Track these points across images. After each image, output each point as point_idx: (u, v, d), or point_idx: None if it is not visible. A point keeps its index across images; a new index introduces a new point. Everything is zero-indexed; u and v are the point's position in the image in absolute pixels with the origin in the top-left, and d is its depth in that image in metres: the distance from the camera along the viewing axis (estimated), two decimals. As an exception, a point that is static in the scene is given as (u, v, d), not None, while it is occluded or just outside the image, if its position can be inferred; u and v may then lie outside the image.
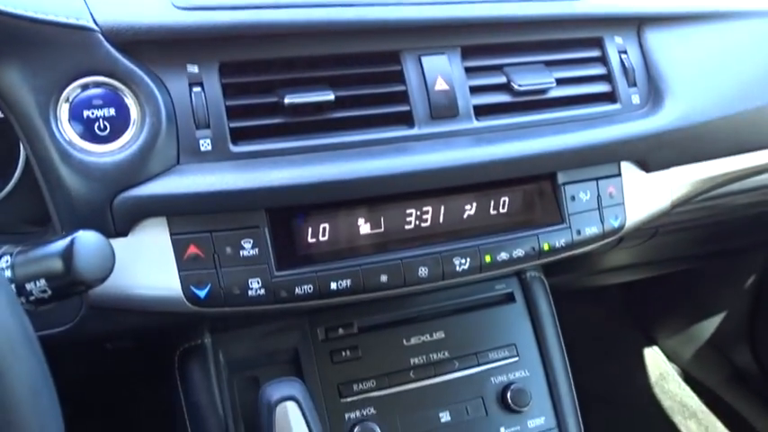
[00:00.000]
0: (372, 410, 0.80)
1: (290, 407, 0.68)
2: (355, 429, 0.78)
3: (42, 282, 0.47)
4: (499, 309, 0.90)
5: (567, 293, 0.92)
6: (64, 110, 0.62)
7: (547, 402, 0.87)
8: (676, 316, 1.93)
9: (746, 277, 1.75)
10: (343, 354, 0.82)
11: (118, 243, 0.63)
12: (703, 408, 1.86)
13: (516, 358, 0.88)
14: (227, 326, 0.80)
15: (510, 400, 0.84)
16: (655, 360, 1.96)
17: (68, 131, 0.62)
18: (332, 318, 0.83)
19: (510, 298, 0.91)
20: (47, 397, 0.42)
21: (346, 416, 0.79)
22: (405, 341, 0.85)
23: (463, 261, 0.73)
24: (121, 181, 0.62)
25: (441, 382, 0.84)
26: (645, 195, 0.83)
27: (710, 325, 1.85)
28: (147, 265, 0.65)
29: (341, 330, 0.83)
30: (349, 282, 0.69)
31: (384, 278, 0.70)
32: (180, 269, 0.65)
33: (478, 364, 0.86)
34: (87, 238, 0.49)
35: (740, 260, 1.74)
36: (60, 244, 0.49)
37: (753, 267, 1.73)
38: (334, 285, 0.69)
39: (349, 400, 0.80)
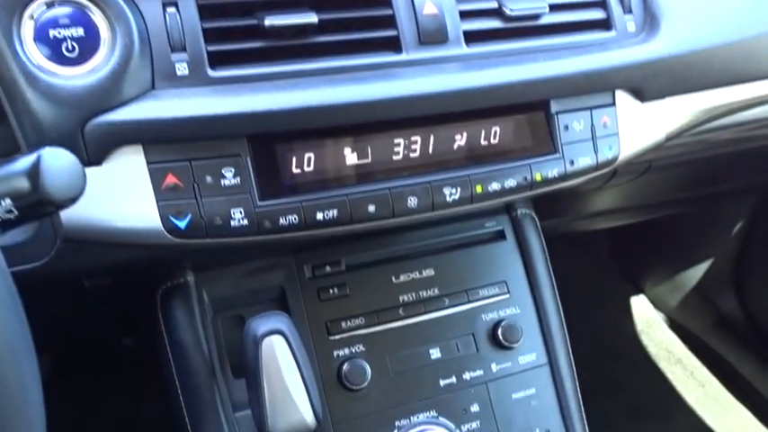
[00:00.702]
0: (361, 348, 0.79)
1: (277, 341, 0.66)
2: (344, 367, 0.77)
3: (8, 201, 0.44)
4: (489, 246, 0.88)
5: (554, 242, 0.90)
6: (28, 28, 0.58)
7: (538, 339, 0.86)
8: (662, 264, 1.93)
9: (733, 224, 1.75)
10: (331, 291, 0.80)
11: (92, 172, 0.60)
12: (689, 353, 1.88)
13: (507, 295, 0.86)
14: (210, 263, 0.77)
15: (501, 337, 0.83)
16: (641, 308, 1.98)
17: (34, 52, 0.58)
18: (319, 255, 0.81)
19: (500, 235, 0.89)
20: (25, 354, 0.39)
21: (335, 353, 0.78)
22: (394, 278, 0.83)
23: (453, 191, 0.71)
24: (93, 106, 0.59)
25: (430, 319, 0.83)
26: (639, 126, 0.81)
27: (696, 272, 1.86)
28: (123, 196, 0.62)
29: (328, 268, 0.81)
30: (335, 212, 0.66)
31: (372, 208, 0.68)
32: (158, 199, 0.62)
33: (469, 301, 0.85)
34: (55, 155, 0.46)
35: (727, 206, 1.74)
36: (26, 161, 0.45)
37: (739, 214, 1.73)
38: (320, 215, 0.66)
39: (337, 337, 0.79)
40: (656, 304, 1.97)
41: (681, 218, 1.78)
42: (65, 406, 1.47)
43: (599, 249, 2.03)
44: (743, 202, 1.71)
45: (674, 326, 1.93)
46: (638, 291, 2.00)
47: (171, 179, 0.62)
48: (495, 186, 0.72)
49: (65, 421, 1.47)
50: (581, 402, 0.86)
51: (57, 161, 0.46)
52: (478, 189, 0.72)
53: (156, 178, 0.62)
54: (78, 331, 1.03)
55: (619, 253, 2.02)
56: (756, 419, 1.71)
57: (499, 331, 0.83)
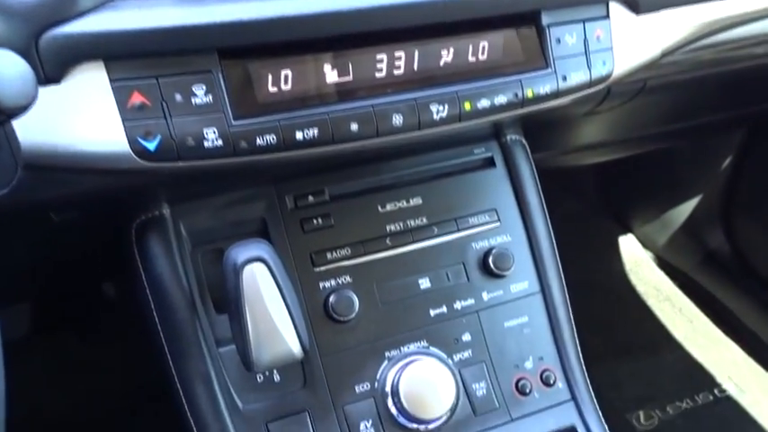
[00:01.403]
0: (348, 279, 0.76)
1: (258, 269, 0.62)
2: (331, 298, 0.74)
3: (-49, 110, 0.40)
4: (479, 174, 0.85)
5: (543, 182, 0.88)
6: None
7: (530, 266, 0.83)
8: (650, 202, 1.92)
9: (722, 159, 1.73)
10: (315, 222, 0.77)
11: (50, 91, 0.56)
12: (677, 291, 1.89)
13: (497, 223, 0.83)
14: (186, 195, 0.73)
15: (492, 265, 0.80)
16: (629, 247, 1.98)
17: None
18: (301, 185, 0.77)
19: (490, 162, 0.86)
20: None
21: (321, 285, 0.75)
22: (380, 208, 0.79)
23: (441, 108, 0.67)
24: (46, 17, 0.54)
25: (419, 249, 0.80)
26: (634, 40, 0.77)
27: (685, 209, 1.85)
28: (86, 116, 0.57)
29: (311, 198, 0.77)
30: (316, 131, 0.62)
31: (354, 127, 0.64)
32: (124, 119, 0.58)
33: (458, 230, 0.82)
34: (2, 58, 0.41)
35: (715, 141, 1.72)
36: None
37: (728, 149, 1.71)
38: (299, 135, 0.62)
39: (323, 269, 0.76)
40: (645, 243, 1.96)
41: (669, 154, 1.76)
42: (50, 361, 1.45)
43: (587, 190, 2.02)
44: (731, 136, 1.68)
45: (662, 264, 1.93)
46: (626, 230, 1.99)
47: (137, 98, 0.58)
48: (484, 103, 0.68)
49: (52, 376, 1.45)
50: (574, 329, 0.84)
51: (4, 64, 0.41)
52: (467, 106, 0.68)
53: (121, 97, 0.57)
54: (55, 276, 0.99)
55: (607, 193, 2.00)
56: (744, 352, 1.73)
57: (490, 259, 0.80)
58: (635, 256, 1.96)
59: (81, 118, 0.57)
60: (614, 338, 1.73)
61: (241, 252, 0.63)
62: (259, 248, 0.63)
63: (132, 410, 1.39)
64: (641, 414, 1.60)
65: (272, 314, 0.62)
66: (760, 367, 1.70)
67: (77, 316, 1.47)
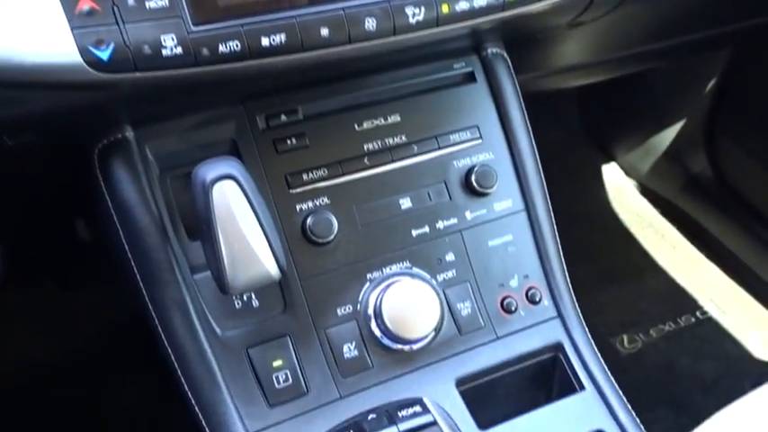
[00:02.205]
0: (326, 200, 0.73)
1: (229, 186, 0.59)
2: (308, 220, 0.71)
3: None
4: (459, 89, 0.81)
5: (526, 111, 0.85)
6: None
7: (513, 184, 0.81)
8: (633, 129, 1.90)
9: (705, 82, 1.70)
10: (289, 142, 0.73)
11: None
12: (659, 217, 1.89)
13: (479, 140, 0.80)
14: (150, 116, 0.69)
15: (475, 183, 0.77)
16: (612, 176, 1.97)
17: None
18: (272, 104, 0.73)
19: (470, 78, 0.82)
20: None
21: (297, 207, 0.72)
22: (356, 126, 0.76)
23: (417, 11, 0.62)
24: None
25: (399, 168, 0.77)
26: (619, -62, 0.73)
27: (668, 135, 1.83)
28: (30, 24, 0.53)
29: (284, 117, 0.73)
30: (283, 37, 0.58)
31: (325, 32, 0.60)
32: (72, 27, 0.53)
33: (439, 148, 0.78)
34: None
35: (699, 63, 1.68)
36: None
37: (711, 71, 1.68)
38: (265, 41, 0.58)
39: (299, 190, 0.72)
40: (627, 171, 1.95)
41: (652, 79, 1.72)
42: (28, 309, 1.42)
43: (570, 119, 1.99)
44: (714, 57, 1.65)
45: (645, 191, 1.92)
46: (609, 159, 1.98)
47: (85, 2, 0.53)
48: (463, 6, 0.64)
49: (32, 324, 1.43)
50: (560, 247, 0.82)
51: None
52: (445, 9, 0.64)
53: (68, 2, 0.53)
54: (23, 214, 0.95)
55: (589, 122, 1.98)
56: (725, 275, 1.74)
57: (473, 177, 0.78)
58: (618, 184, 1.95)
59: (25, 26, 0.53)
60: (598, 266, 1.74)
61: (210, 170, 0.59)
62: (229, 166, 0.60)
63: (114, 354, 1.38)
64: (625, 338, 1.62)
65: (245, 234, 0.60)
66: (741, 289, 1.72)
67: (53, 262, 1.44)
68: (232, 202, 0.59)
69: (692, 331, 1.64)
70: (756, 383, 0.97)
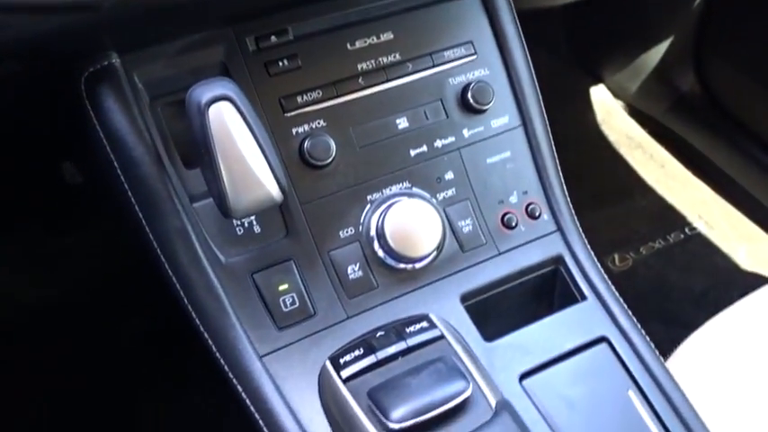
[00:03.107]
0: (322, 123, 0.72)
1: (225, 107, 0.57)
2: (306, 143, 0.70)
3: None
4: (452, 4, 0.78)
5: None
6: None
7: (510, 100, 0.80)
8: (621, 49, 1.88)
9: (693, -1, 1.67)
10: (281, 64, 0.71)
11: None
12: (648, 138, 1.89)
13: (474, 56, 0.79)
14: (136, 42, 0.66)
15: (471, 99, 0.76)
16: (601, 98, 1.95)
17: None
18: (261, 26, 0.70)
19: (463, -10, 0.79)
20: None
21: (293, 131, 0.70)
22: (349, 45, 0.74)
23: None
24: None
25: (394, 87, 0.75)
26: None
27: (656, 54, 1.81)
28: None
29: (274, 38, 0.71)
30: None
31: None
32: None
33: (434, 65, 0.77)
34: None
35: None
36: None
37: (700, -15, 1.65)
38: None
39: (294, 113, 0.71)
40: (616, 92, 1.94)
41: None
42: (16, 255, 1.41)
43: (557, 42, 1.96)
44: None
45: (633, 112, 1.92)
46: (597, 81, 1.96)
47: None
48: None
49: (21, 269, 1.42)
50: (557, 162, 0.82)
51: None
52: None
53: None
54: (11, 155, 0.93)
55: (576, 44, 1.95)
56: (713, 191, 1.76)
57: (469, 94, 0.76)
58: (606, 106, 1.94)
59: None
60: (588, 187, 1.74)
61: (205, 91, 0.57)
62: (224, 86, 0.58)
63: (103, 298, 1.38)
64: (616, 257, 1.64)
65: (244, 155, 0.58)
66: (728, 204, 1.74)
67: (39, 207, 1.42)
68: (229, 124, 0.58)
69: (682, 247, 1.67)
70: (744, 294, 1.00)
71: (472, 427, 0.57)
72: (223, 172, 0.58)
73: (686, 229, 1.70)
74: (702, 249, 1.67)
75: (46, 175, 1.30)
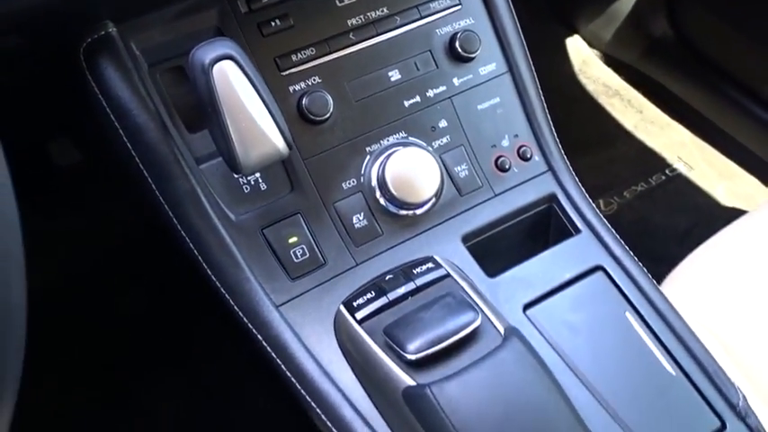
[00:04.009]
0: (317, 79, 0.74)
1: (228, 66, 0.59)
2: (304, 100, 0.72)
3: None
4: (434, -43, 0.80)
5: None
6: None
7: (496, 47, 0.82)
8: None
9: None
10: (273, 24, 0.73)
11: None
12: (625, 85, 1.93)
13: (459, 6, 0.81)
14: (130, 10, 0.68)
15: (459, 48, 0.79)
16: (576, 48, 1.98)
17: None
18: None
19: (443, -57, 0.81)
20: None
21: (291, 89, 0.73)
22: (338, 2, 0.76)
23: None
24: None
25: (384, 41, 0.77)
26: None
27: (628, 1, 1.84)
28: None
29: None
30: None
31: None
32: None
33: (421, 17, 0.79)
34: None
35: None
36: None
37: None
38: None
39: (290, 72, 0.73)
40: (591, 42, 1.97)
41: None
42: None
43: (532, -3, 1.97)
44: None
45: (610, 61, 1.95)
46: (572, 32, 1.98)
47: None
48: None
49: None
50: (545, 106, 0.85)
51: None
52: None
53: None
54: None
55: (552, -4, 1.97)
56: (690, 133, 1.81)
57: (457, 43, 0.79)
58: (582, 56, 1.96)
59: None
60: (570, 137, 1.76)
61: (207, 51, 0.59)
62: (225, 46, 0.60)
63: (98, 276, 1.40)
64: (601, 202, 1.69)
65: (250, 111, 0.61)
66: (706, 144, 1.79)
67: (25, 189, 1.42)
68: (233, 81, 0.60)
69: (664, 188, 1.72)
70: (726, 229, 1.05)
71: (484, 353, 0.61)
72: (231, 129, 0.60)
73: (667, 171, 1.75)
74: (683, 189, 1.72)
75: (32, 156, 1.30)
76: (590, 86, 1.93)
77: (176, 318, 1.35)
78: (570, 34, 1.99)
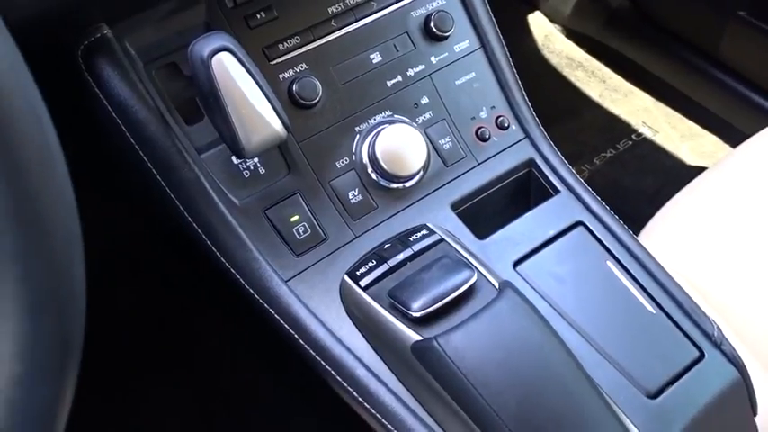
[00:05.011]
0: (305, 66, 0.78)
1: (226, 57, 0.63)
2: (294, 86, 0.76)
3: None
4: (402, -57, 0.85)
5: None
6: None
7: (467, 26, 0.87)
8: (552, -26, 1.96)
9: None
10: (258, 16, 0.77)
11: None
12: (587, 56, 1.99)
13: (431, -11, 0.86)
14: (123, 11, 0.71)
15: (434, 28, 0.84)
16: (538, 24, 2.04)
17: None
18: None
19: (410, -70, 0.86)
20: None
21: (280, 77, 0.77)
22: None
23: None
24: None
25: (363, 26, 0.82)
26: None
27: (585, -25, 1.90)
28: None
29: None
30: None
31: None
32: None
33: (396, 1, 0.84)
34: None
35: None
36: None
37: None
38: None
39: (279, 60, 0.77)
40: (552, 17, 2.03)
41: None
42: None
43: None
44: None
45: (571, 34, 2.01)
46: (533, 8, 2.04)
47: None
48: None
49: None
50: (518, 78, 0.90)
51: None
52: None
53: None
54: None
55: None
56: (653, 98, 1.89)
57: (431, 24, 0.84)
58: (545, 31, 2.03)
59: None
60: (538, 110, 1.83)
61: (205, 45, 0.63)
62: (221, 38, 0.64)
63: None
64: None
65: (249, 99, 0.65)
66: (668, 108, 1.87)
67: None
68: (232, 71, 0.64)
69: (631, 152, 1.79)
70: (692, 186, 1.11)
71: (482, 305, 0.66)
72: (233, 116, 0.65)
73: (633, 136, 1.83)
74: (650, 152, 1.80)
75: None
76: (554, 60, 2.00)
77: (178, 316, 1.38)
78: (531, 11, 2.05)
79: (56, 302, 0.37)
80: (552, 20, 2.03)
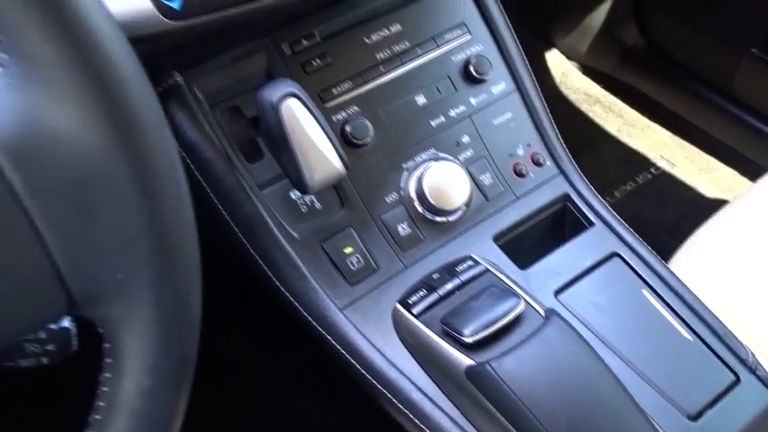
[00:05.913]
0: (356, 108, 0.84)
1: (293, 103, 0.69)
2: (347, 127, 0.82)
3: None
4: (443, -8, 0.91)
5: None
6: None
7: (503, 69, 0.93)
8: (569, 13, 2.03)
9: (628, -42, 1.83)
10: (314, 63, 0.83)
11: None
12: (604, 92, 2.05)
13: (469, 36, 0.92)
14: (191, 60, 0.77)
15: (473, 71, 0.89)
16: (555, 61, 2.10)
17: None
18: (292, 32, 0.82)
19: (451, -18, 0.92)
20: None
21: (334, 119, 0.83)
22: (366, 39, 0.86)
23: None
24: None
25: (409, 70, 0.88)
26: None
27: (599, 14, 1.97)
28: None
29: (305, 42, 0.83)
30: None
31: None
32: None
33: (437, 47, 0.90)
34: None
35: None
36: None
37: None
38: None
39: (332, 103, 0.83)
40: (568, 54, 2.10)
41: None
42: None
43: (509, 15, 2.10)
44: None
45: (588, 71, 2.07)
46: (550, 46, 2.11)
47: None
48: None
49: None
50: (551, 117, 0.96)
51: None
52: None
53: None
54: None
55: (527, 13, 2.09)
56: (670, 133, 1.94)
57: (471, 67, 0.90)
58: (562, 68, 2.09)
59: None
60: (559, 144, 1.91)
61: (274, 91, 0.69)
62: (288, 85, 0.70)
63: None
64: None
65: (314, 140, 0.70)
66: (685, 142, 1.92)
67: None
68: (299, 115, 0.70)
69: (651, 185, 1.84)
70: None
71: (531, 331, 0.71)
72: (299, 156, 0.70)
73: (652, 170, 1.87)
74: (669, 185, 1.84)
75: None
76: (572, 96, 2.06)
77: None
78: (548, 48, 2.12)
79: (181, 323, 0.42)
80: (569, 57, 2.10)
